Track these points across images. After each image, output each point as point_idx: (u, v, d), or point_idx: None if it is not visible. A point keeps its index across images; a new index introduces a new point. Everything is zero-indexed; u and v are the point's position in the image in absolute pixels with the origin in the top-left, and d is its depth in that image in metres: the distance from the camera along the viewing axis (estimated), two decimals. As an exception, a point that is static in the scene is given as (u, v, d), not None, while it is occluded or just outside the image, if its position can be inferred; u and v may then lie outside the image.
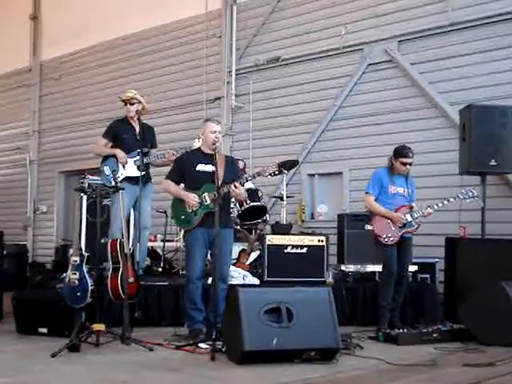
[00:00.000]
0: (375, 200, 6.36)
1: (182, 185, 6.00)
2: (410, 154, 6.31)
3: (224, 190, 5.68)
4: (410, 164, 6.34)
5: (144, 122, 7.13)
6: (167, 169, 6.24)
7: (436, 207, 6.33)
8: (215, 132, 5.87)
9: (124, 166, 7.02)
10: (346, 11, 9.31)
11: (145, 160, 6.95)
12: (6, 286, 7.13)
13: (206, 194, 5.75)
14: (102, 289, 5.74)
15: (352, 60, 9.25)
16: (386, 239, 6.27)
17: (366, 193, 6.43)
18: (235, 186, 5.69)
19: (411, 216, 6.29)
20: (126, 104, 7.14)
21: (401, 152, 6.34)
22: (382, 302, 6.34)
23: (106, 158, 7.13)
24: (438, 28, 8.48)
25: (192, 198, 5.75)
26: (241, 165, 8.26)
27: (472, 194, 6.35)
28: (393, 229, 6.28)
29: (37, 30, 13.72)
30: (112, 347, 5.32)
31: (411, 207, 6.37)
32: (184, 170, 5.94)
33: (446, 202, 6.33)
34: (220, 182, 5.62)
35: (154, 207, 7.57)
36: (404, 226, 6.27)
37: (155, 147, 7.29)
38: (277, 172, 5.95)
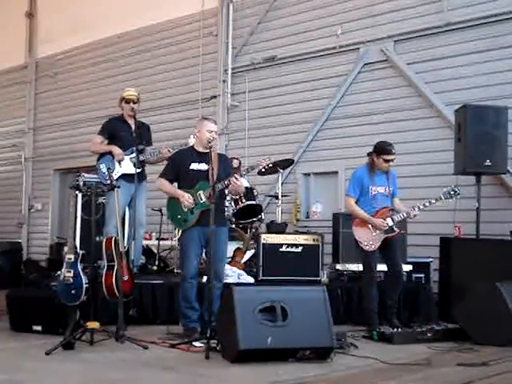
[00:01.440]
0: (356, 201, 6.27)
1: (176, 183, 5.99)
2: (393, 151, 6.21)
3: (219, 186, 5.69)
4: (393, 160, 6.26)
5: (139, 119, 7.14)
6: (163, 167, 6.23)
7: (417, 210, 6.22)
8: (211, 132, 5.88)
9: (120, 163, 7.01)
10: (342, 11, 9.32)
11: (140, 157, 6.95)
12: (0, 283, 7.13)
13: (200, 192, 5.76)
14: (96, 287, 5.73)
15: (348, 59, 9.26)
16: (367, 246, 6.19)
17: (347, 195, 6.35)
18: (236, 179, 5.70)
19: (392, 220, 6.20)
20: (127, 102, 7.13)
21: (384, 148, 6.21)
22: (368, 306, 6.27)
23: (102, 155, 7.13)
24: (434, 28, 8.49)
25: (187, 199, 5.74)
26: (236, 163, 8.27)
27: (454, 193, 6.20)
28: (373, 235, 6.19)
29: (32, 27, 13.70)
30: (106, 345, 5.31)
31: (392, 209, 6.30)
32: (178, 168, 5.93)
33: (427, 204, 6.22)
34: (214, 181, 5.62)
35: (148, 205, 7.57)
36: (386, 231, 6.23)
37: (151, 145, 7.30)
38: (270, 165, 5.95)
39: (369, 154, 6.37)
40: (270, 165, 5.89)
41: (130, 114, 7.07)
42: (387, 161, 6.21)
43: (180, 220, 5.87)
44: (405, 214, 6.24)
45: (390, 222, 6.20)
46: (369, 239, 6.20)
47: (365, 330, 6.18)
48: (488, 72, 8.05)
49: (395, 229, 6.24)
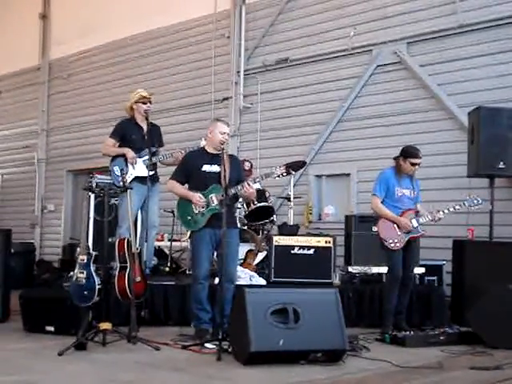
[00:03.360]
0: (381, 202, 6.34)
1: (187, 185, 5.99)
2: (420, 155, 6.31)
3: (232, 191, 5.68)
4: (419, 164, 6.34)
5: (150, 121, 7.16)
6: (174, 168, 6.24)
7: (442, 214, 6.29)
8: (224, 133, 5.88)
9: (133, 166, 7.03)
10: (355, 12, 9.30)
11: (153, 159, 6.97)
12: (14, 284, 7.15)
13: (212, 196, 5.75)
14: (109, 288, 5.75)
15: (360, 61, 9.24)
16: (392, 244, 6.24)
17: (373, 195, 6.40)
18: (248, 185, 5.70)
19: (417, 221, 6.26)
20: (144, 103, 7.12)
21: (411, 152, 6.31)
22: (387, 306, 6.33)
23: (115, 157, 7.14)
24: (447, 30, 8.45)
25: (198, 199, 5.74)
26: (247, 165, 8.28)
27: (477, 202, 6.31)
28: (399, 234, 6.24)
29: (46, 29, 13.77)
30: (118, 346, 5.33)
31: (417, 211, 6.35)
32: (189, 170, 5.92)
33: (451, 209, 6.30)
34: (226, 183, 5.62)
35: (161, 207, 7.58)
36: (410, 231, 6.26)
37: (162, 146, 7.31)
38: (285, 174, 5.96)
39: (395, 158, 6.43)
40: (285, 174, 5.90)
41: (144, 114, 7.06)
42: (414, 164, 6.28)
43: (190, 221, 5.86)
44: (429, 217, 6.29)
45: (414, 222, 6.26)
46: (394, 238, 6.24)
47: (378, 332, 6.17)
48: (501, 74, 8.00)
49: (420, 230, 6.29)
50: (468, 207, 6.35)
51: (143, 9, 11.78)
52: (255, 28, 10.41)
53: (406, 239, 6.26)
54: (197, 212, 5.78)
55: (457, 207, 6.33)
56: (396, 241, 6.23)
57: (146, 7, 11.73)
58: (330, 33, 9.52)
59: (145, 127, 7.05)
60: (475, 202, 6.32)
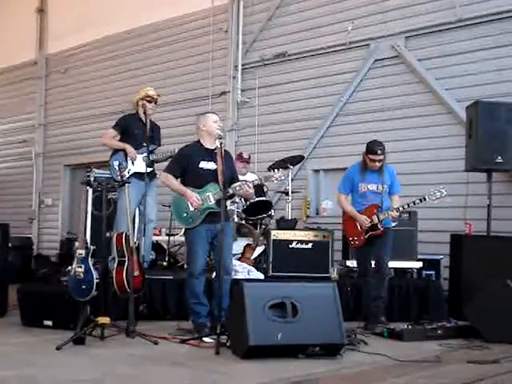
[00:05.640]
0: (352, 198, 6.37)
1: (180, 179, 5.96)
2: (379, 152, 6.17)
3: (229, 191, 5.68)
4: (380, 161, 6.22)
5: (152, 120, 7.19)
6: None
7: (402, 209, 6.24)
8: (216, 121, 5.88)
9: (133, 162, 7.03)
10: (353, 6, 9.28)
11: (152, 157, 6.99)
12: (11, 278, 7.15)
13: (209, 194, 5.73)
14: (107, 282, 5.75)
15: (358, 56, 9.23)
16: (352, 242, 6.33)
17: (337, 191, 6.44)
18: (248, 186, 5.72)
19: (377, 218, 6.21)
20: (150, 102, 7.14)
21: (370, 148, 6.23)
22: (365, 301, 6.39)
23: (115, 151, 7.14)
24: (446, 24, 8.44)
25: (195, 199, 5.71)
26: (246, 154, 8.32)
27: (440, 195, 6.17)
28: (359, 231, 6.27)
29: (43, 23, 13.73)
30: (117, 340, 5.34)
31: (380, 207, 6.25)
32: (185, 166, 5.87)
33: (412, 205, 6.22)
34: (224, 181, 5.62)
35: (158, 201, 7.58)
36: (370, 228, 6.23)
37: (160, 145, 7.33)
38: (283, 178, 6.05)
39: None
40: (283, 177, 5.96)
41: (149, 112, 7.09)
42: (373, 160, 6.22)
43: (186, 218, 5.83)
44: (389, 213, 6.21)
45: (375, 219, 6.22)
46: (354, 235, 6.31)
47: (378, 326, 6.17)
48: (500, 68, 7.99)
49: (379, 227, 6.24)
50: (430, 200, 6.19)
51: (140, 3, 11.74)
52: (253, 22, 10.39)
53: (366, 236, 6.25)
54: (193, 209, 5.76)
55: (417, 201, 6.21)
56: (356, 238, 6.29)
57: (143, 2, 11.70)
58: (327, 27, 9.50)
59: (148, 124, 7.06)
60: (438, 194, 6.17)
